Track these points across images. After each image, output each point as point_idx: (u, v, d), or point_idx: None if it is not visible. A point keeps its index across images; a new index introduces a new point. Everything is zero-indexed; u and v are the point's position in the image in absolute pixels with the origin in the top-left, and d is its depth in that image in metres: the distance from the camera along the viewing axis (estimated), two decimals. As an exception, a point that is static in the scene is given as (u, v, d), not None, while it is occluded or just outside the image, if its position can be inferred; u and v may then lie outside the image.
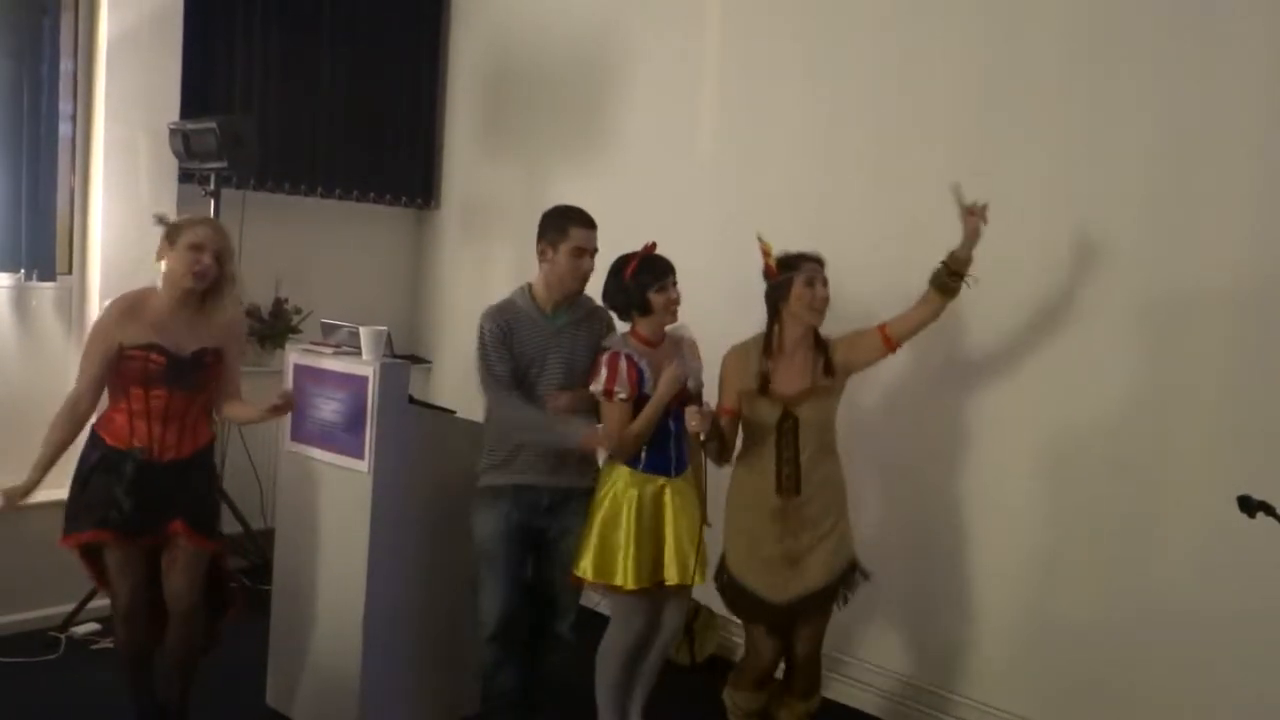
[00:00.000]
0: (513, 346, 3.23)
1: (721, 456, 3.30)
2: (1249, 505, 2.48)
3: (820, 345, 3.20)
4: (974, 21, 3.69)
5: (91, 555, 3.23)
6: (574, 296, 3.32)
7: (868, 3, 3.99)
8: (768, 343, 3.19)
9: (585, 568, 3.26)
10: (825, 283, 3.16)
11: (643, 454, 3.27)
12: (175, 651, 3.25)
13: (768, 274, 3.18)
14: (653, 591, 3.31)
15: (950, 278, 3.10)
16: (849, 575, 3.24)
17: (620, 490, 3.26)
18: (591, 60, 4.92)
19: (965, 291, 3.59)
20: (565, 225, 3.27)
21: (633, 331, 3.31)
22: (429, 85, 5.67)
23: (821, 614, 3.25)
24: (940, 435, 3.80)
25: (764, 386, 3.15)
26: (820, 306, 3.15)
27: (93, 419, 3.21)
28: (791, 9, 4.21)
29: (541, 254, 3.29)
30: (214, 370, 3.22)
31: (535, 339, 3.25)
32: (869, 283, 3.68)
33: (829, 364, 3.17)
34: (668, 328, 3.31)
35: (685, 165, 4.55)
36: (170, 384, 3.12)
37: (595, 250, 3.30)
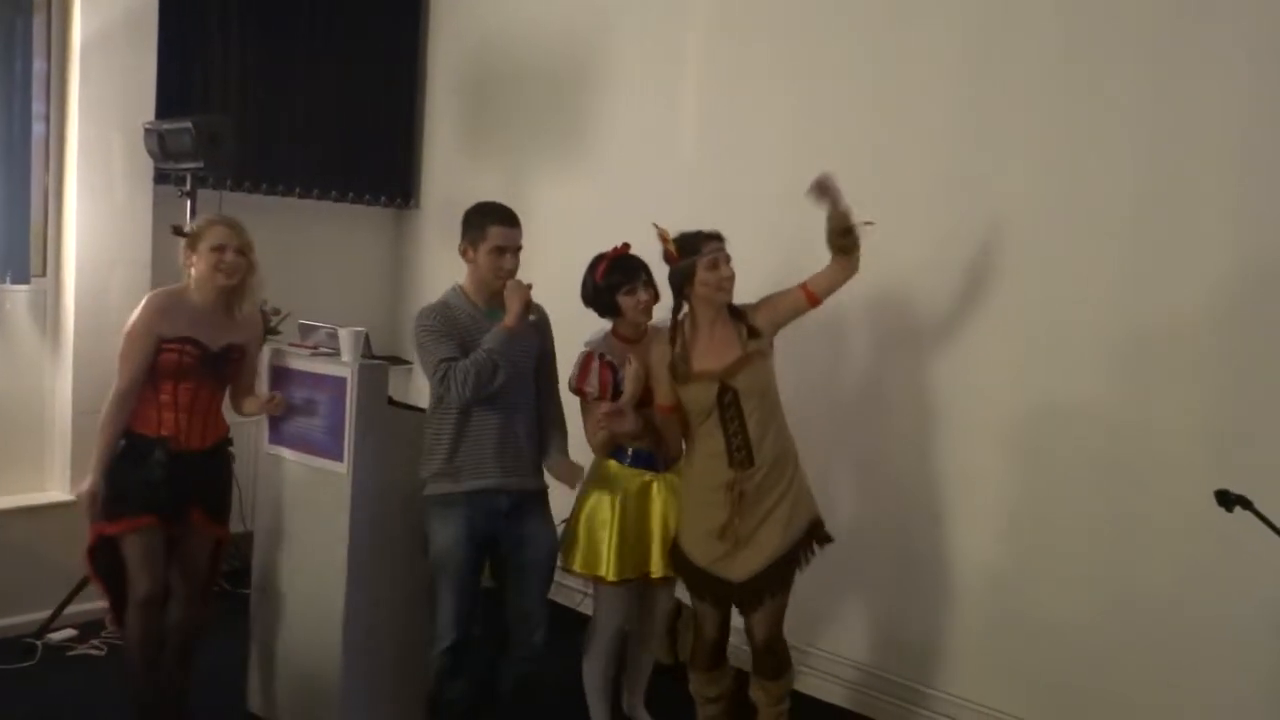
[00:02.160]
0: (456, 339, 3.06)
1: (674, 450, 3.28)
2: (1227, 500, 2.50)
3: (737, 314, 3.16)
4: (959, 20, 3.69)
5: (101, 552, 3.25)
6: (500, 296, 3.14)
7: (850, 1, 3.97)
8: (677, 329, 3.15)
9: (574, 559, 3.30)
10: (728, 260, 3.11)
11: (629, 449, 3.28)
12: (177, 633, 3.32)
13: (668, 259, 3.13)
14: (638, 584, 3.32)
15: (840, 237, 3.08)
16: (808, 539, 3.17)
17: (607, 483, 3.27)
18: (572, 59, 4.90)
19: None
20: (484, 224, 3.13)
21: (614, 330, 3.33)
22: (408, 83, 5.64)
23: (777, 592, 3.15)
24: (915, 427, 3.80)
25: (686, 372, 3.10)
26: (727, 286, 3.10)
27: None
28: (772, 8, 4.20)
29: (463, 253, 3.17)
30: (238, 365, 3.37)
31: (476, 335, 3.08)
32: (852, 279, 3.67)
33: (752, 328, 3.14)
34: (650, 324, 3.31)
35: (666, 165, 4.53)
36: (200, 377, 3.26)
37: (518, 247, 3.16)
